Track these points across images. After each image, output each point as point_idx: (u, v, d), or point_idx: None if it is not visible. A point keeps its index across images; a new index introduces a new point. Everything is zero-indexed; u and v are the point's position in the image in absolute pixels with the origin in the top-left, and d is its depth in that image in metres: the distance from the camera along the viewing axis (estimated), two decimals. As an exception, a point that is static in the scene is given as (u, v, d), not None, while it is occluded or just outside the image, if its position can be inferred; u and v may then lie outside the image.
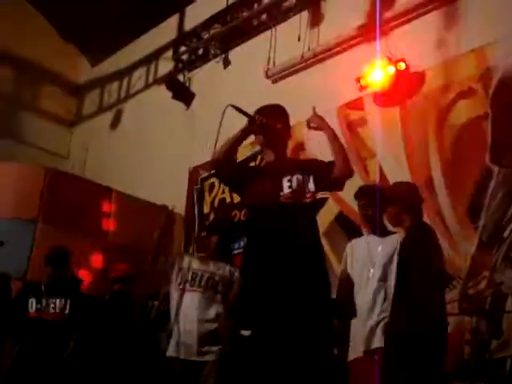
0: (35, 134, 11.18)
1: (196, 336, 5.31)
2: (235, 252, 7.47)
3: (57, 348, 5.70)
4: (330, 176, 3.83)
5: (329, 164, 3.91)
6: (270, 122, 4.02)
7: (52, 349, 5.67)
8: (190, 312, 5.37)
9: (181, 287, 5.45)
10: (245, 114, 4.02)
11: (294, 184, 3.80)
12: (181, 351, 5.32)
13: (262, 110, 4.16)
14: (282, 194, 3.78)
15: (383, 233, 4.86)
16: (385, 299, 4.61)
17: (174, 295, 5.48)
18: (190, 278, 5.44)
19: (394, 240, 4.76)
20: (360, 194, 5.05)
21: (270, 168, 3.99)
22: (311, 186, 3.82)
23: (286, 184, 3.82)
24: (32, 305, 5.84)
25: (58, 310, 5.85)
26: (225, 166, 4.01)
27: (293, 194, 3.76)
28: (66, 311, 5.87)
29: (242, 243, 7.82)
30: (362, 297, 4.71)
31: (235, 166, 4.10)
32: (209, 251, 5.73)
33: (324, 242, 5.00)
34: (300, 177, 3.83)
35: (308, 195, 3.80)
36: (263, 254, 3.66)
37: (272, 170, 3.93)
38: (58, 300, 5.88)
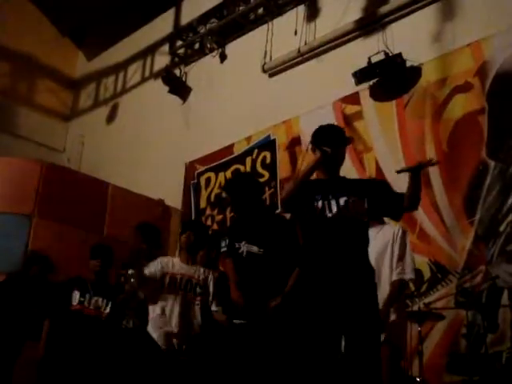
0: (31, 128, 11.16)
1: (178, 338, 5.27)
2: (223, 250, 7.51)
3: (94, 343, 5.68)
4: (398, 205, 3.90)
5: (397, 194, 3.97)
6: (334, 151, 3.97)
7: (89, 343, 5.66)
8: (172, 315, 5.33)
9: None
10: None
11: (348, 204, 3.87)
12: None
13: (322, 137, 4.09)
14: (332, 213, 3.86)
15: (380, 224, 4.85)
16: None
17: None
18: (168, 282, 5.39)
19: (391, 231, 4.75)
20: None
21: (324, 187, 4.01)
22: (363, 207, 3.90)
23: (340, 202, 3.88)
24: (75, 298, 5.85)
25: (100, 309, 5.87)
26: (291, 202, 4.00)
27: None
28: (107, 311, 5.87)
29: (226, 242, 7.87)
30: None
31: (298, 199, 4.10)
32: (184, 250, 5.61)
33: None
34: (355, 199, 3.88)
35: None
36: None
37: (326, 189, 3.95)
38: (100, 299, 5.89)
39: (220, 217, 8.54)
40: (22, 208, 7.52)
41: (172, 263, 5.42)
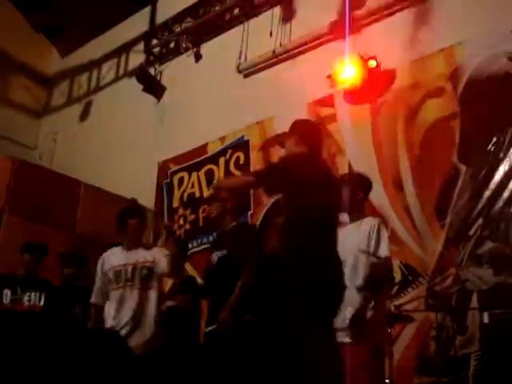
0: (3, 125, 10.99)
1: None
2: (194, 250, 7.53)
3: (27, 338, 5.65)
4: None
5: None
6: None
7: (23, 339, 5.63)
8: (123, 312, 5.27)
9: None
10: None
11: None
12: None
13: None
14: None
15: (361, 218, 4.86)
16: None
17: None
18: (113, 277, 5.32)
19: (370, 225, 4.76)
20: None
21: None
22: None
23: None
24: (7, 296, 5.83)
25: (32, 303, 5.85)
26: None
27: None
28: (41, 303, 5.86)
29: (198, 242, 7.88)
30: None
31: None
32: (130, 238, 5.42)
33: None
34: None
35: None
36: None
37: None
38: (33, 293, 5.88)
39: (192, 217, 8.52)
40: (-8, 205, 7.46)
41: (110, 256, 5.38)
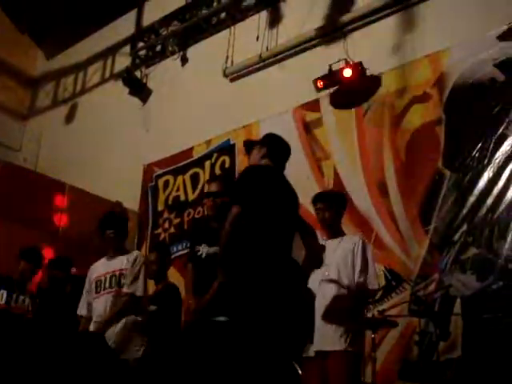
0: (-13, 126, 10.99)
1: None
2: (176, 255, 7.53)
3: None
4: None
5: None
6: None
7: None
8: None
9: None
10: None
11: None
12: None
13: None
14: None
15: (339, 235, 4.90)
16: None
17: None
18: (94, 287, 5.41)
19: (352, 242, 4.80)
20: (317, 198, 5.07)
21: None
22: None
23: None
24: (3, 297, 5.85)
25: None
26: None
27: None
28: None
29: (183, 245, 7.87)
30: (318, 298, 4.73)
31: None
32: (110, 247, 5.54)
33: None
34: None
35: None
36: None
37: None
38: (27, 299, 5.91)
39: (177, 220, 8.50)
40: (-24, 207, 7.40)
41: (96, 266, 5.46)
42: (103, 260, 5.49)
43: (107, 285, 5.30)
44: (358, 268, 4.68)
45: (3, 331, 5.59)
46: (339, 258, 4.74)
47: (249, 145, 4.38)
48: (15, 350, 5.48)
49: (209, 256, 4.82)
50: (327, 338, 4.56)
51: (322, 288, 4.71)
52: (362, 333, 4.78)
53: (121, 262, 5.36)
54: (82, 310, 5.45)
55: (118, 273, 5.30)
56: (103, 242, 5.48)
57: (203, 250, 4.88)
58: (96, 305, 5.33)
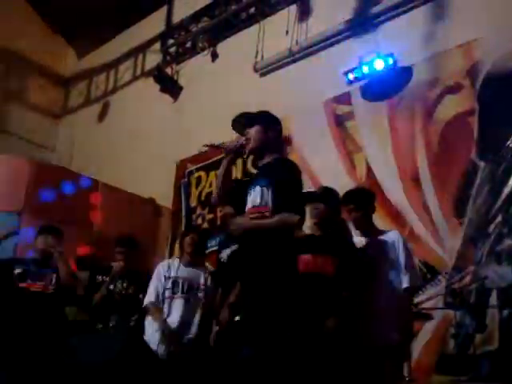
0: (22, 126, 11.11)
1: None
2: (210, 250, 7.53)
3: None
4: None
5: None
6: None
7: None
8: (174, 317, 5.41)
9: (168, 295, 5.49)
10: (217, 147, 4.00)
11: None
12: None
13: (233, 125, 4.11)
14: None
15: (373, 232, 4.83)
16: None
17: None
18: (170, 285, 5.47)
19: (391, 239, 4.72)
20: (345, 199, 4.98)
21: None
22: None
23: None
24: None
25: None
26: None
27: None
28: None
29: (216, 241, 7.87)
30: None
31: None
32: (186, 255, 5.70)
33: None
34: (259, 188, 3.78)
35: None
36: None
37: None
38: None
39: (210, 216, 8.53)
40: (11, 206, 7.49)
41: (173, 266, 5.51)
42: (177, 261, 5.65)
43: (184, 290, 5.47)
44: (402, 266, 4.59)
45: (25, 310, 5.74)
46: (378, 254, 4.67)
47: (246, 121, 4.08)
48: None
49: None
50: (377, 333, 4.49)
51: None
52: (410, 327, 4.72)
53: (200, 275, 5.61)
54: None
55: (195, 285, 5.55)
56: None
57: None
58: (167, 305, 5.41)
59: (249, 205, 3.79)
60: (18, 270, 5.79)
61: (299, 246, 4.01)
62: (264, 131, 3.93)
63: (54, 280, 5.80)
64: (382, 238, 4.69)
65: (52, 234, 5.93)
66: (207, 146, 4.15)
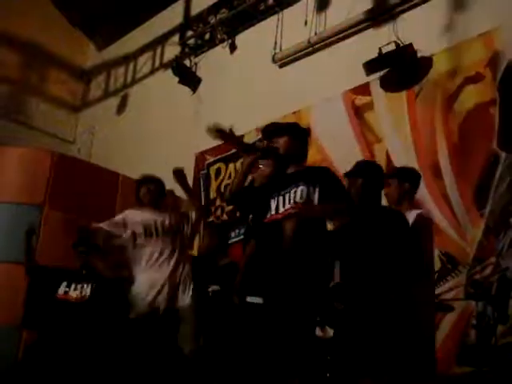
0: (42, 119, 11.19)
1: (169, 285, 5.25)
2: (233, 240, 7.53)
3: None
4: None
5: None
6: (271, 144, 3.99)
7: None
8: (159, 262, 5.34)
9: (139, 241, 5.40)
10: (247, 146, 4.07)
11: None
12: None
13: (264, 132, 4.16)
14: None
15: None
16: None
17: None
18: (142, 230, 5.40)
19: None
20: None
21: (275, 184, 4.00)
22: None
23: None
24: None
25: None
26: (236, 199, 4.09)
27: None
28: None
29: (236, 232, 7.88)
30: None
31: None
32: (146, 200, 5.69)
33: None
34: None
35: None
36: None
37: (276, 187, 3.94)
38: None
39: (230, 207, 8.53)
40: (33, 198, 7.55)
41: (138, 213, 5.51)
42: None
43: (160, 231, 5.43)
44: None
45: (62, 318, 5.82)
46: None
47: (276, 131, 4.10)
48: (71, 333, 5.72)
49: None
50: None
51: None
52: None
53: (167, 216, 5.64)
54: None
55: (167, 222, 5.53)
56: None
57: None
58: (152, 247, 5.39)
59: (286, 205, 3.83)
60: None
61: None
62: (292, 142, 4.00)
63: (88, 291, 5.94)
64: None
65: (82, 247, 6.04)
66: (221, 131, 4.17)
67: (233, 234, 8.06)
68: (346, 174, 4.35)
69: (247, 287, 4.08)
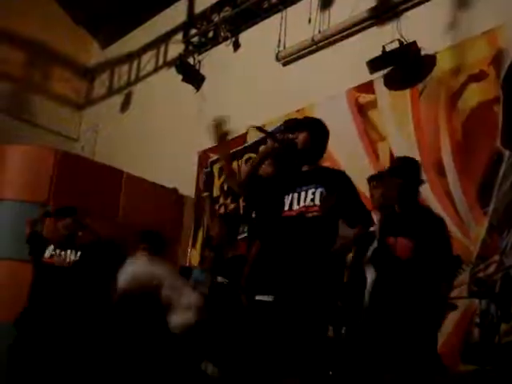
0: (46, 117, 11.22)
1: None
2: (241, 237, 7.50)
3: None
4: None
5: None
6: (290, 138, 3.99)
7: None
8: None
9: None
10: (266, 133, 4.03)
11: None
12: None
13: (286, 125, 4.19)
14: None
15: None
16: None
17: None
18: None
19: None
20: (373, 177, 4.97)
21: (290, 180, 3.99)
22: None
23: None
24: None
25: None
26: (248, 185, 4.07)
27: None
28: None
29: (240, 229, 7.85)
30: None
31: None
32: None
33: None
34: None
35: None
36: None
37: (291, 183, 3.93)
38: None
39: (233, 205, 8.54)
40: (36, 196, 7.56)
41: None
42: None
43: None
44: None
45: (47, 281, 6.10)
46: None
47: (297, 125, 4.14)
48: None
49: None
50: None
51: None
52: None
53: None
54: None
55: None
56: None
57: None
58: None
59: (301, 202, 3.81)
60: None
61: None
62: (311, 138, 4.00)
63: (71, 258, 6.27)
64: None
65: (69, 217, 6.31)
66: (256, 127, 4.19)
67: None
68: (385, 173, 4.36)
69: (256, 285, 4.04)
